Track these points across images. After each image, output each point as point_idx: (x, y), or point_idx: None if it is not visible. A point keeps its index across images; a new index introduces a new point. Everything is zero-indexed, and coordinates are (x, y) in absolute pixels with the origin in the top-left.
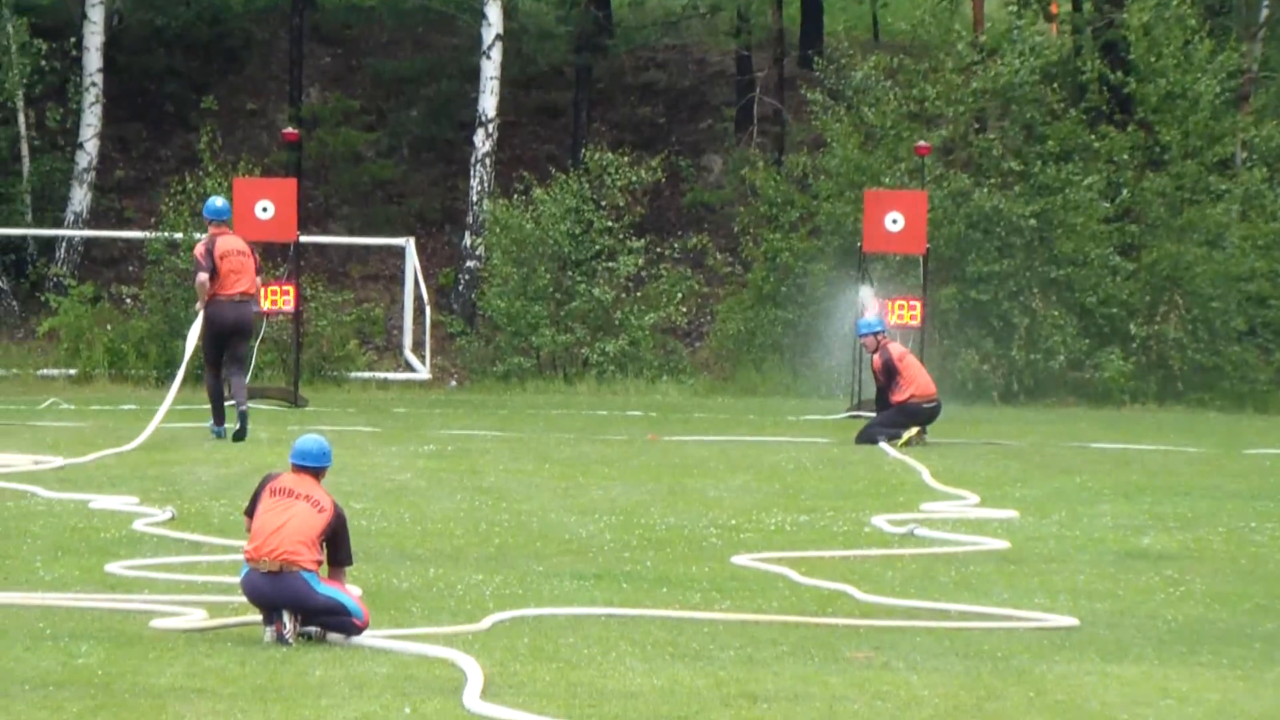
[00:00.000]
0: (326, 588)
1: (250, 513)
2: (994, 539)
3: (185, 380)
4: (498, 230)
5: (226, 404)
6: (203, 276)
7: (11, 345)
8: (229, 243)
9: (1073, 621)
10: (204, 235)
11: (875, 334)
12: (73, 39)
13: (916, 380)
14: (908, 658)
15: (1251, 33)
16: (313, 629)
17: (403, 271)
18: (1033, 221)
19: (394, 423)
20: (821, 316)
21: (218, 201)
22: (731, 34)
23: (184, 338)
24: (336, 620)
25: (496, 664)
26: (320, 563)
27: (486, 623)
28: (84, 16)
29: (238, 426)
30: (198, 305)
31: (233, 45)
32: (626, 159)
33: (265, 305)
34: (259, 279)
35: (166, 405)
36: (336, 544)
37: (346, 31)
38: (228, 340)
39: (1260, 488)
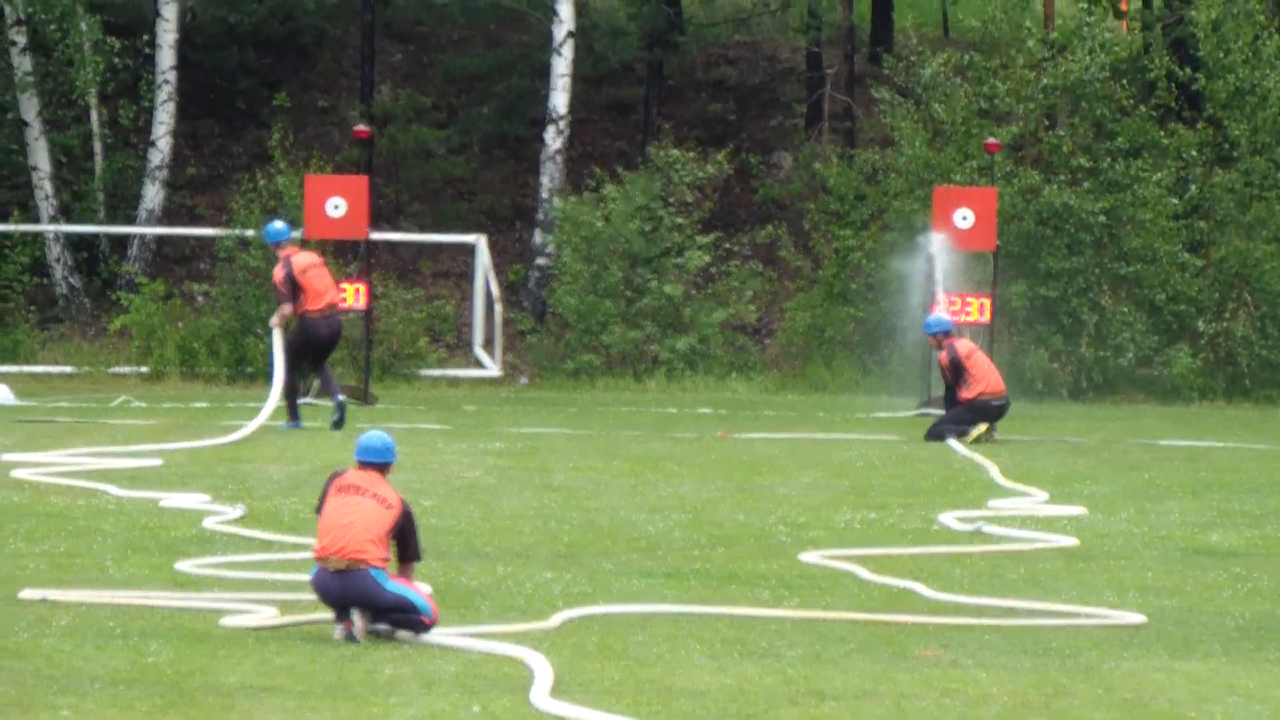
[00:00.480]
0: (395, 585)
1: (320, 511)
2: (1062, 536)
3: (255, 379)
4: (568, 227)
5: (315, 400)
6: (287, 309)
7: (83, 343)
8: (305, 259)
9: (1140, 619)
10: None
11: (937, 334)
12: (145, 36)
13: (985, 377)
14: (976, 655)
15: None
16: (382, 626)
17: (473, 268)
18: (1102, 218)
19: (464, 420)
20: (891, 313)
21: (277, 224)
22: (801, 30)
23: (258, 336)
24: (405, 618)
25: (565, 662)
26: (388, 560)
27: (556, 620)
28: (157, 14)
29: (336, 416)
30: (273, 321)
31: (304, 42)
32: (693, 155)
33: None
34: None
35: (270, 407)
36: (405, 540)
37: (418, 28)
38: (320, 351)
39: None
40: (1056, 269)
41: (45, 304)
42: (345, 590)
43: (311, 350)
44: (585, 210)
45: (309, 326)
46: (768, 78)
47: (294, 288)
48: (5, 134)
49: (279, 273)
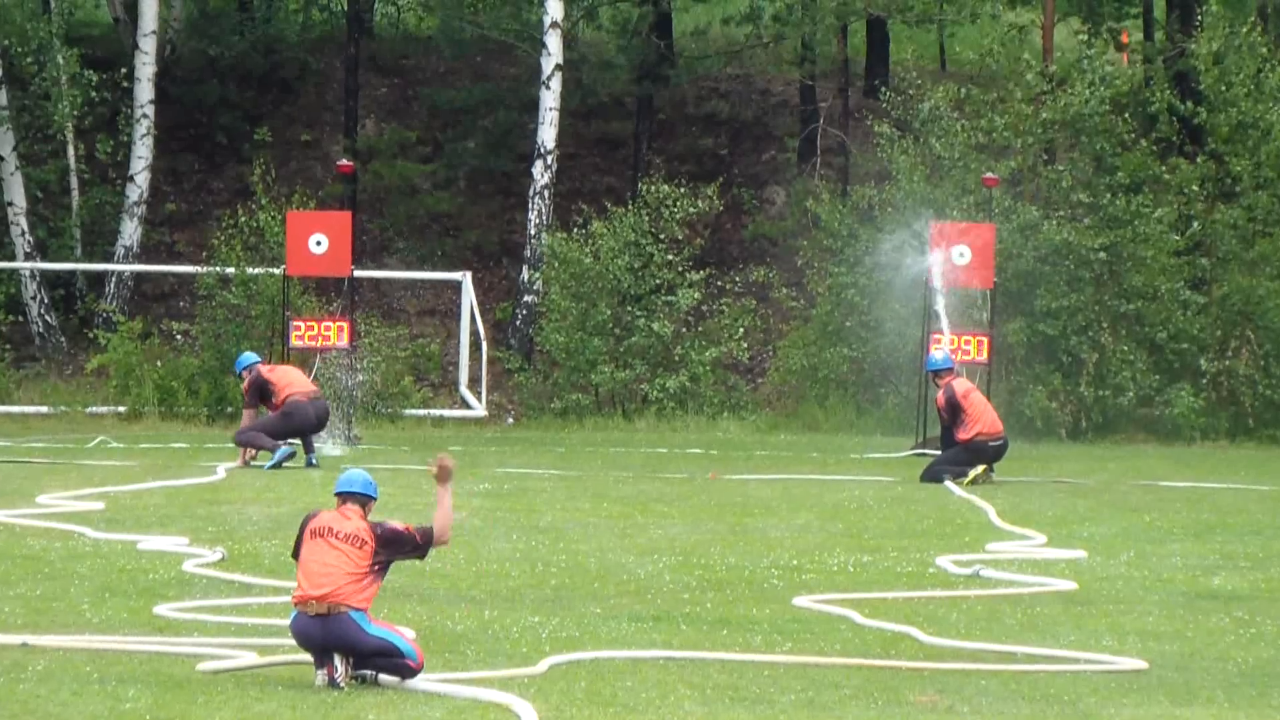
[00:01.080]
0: (377, 629)
1: (296, 555)
2: (1061, 579)
3: (236, 418)
4: (556, 264)
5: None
6: (249, 414)
7: (60, 382)
8: (270, 365)
9: (1142, 664)
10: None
11: (939, 373)
12: (124, 70)
13: (982, 417)
14: (973, 701)
15: None
16: (367, 672)
17: (459, 306)
18: (1102, 254)
19: (457, 462)
20: (886, 352)
21: (248, 354)
22: (795, 63)
23: (238, 375)
24: (390, 662)
25: (553, 708)
26: (370, 601)
27: (543, 666)
28: (135, 47)
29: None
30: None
31: (287, 76)
32: (684, 190)
33: (319, 342)
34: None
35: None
36: (403, 551)
37: (403, 62)
38: (304, 433)
39: None
40: (1055, 306)
41: (21, 342)
42: (326, 635)
43: (295, 431)
44: (573, 247)
45: (295, 409)
46: (760, 112)
47: (264, 391)
48: None
49: (246, 383)
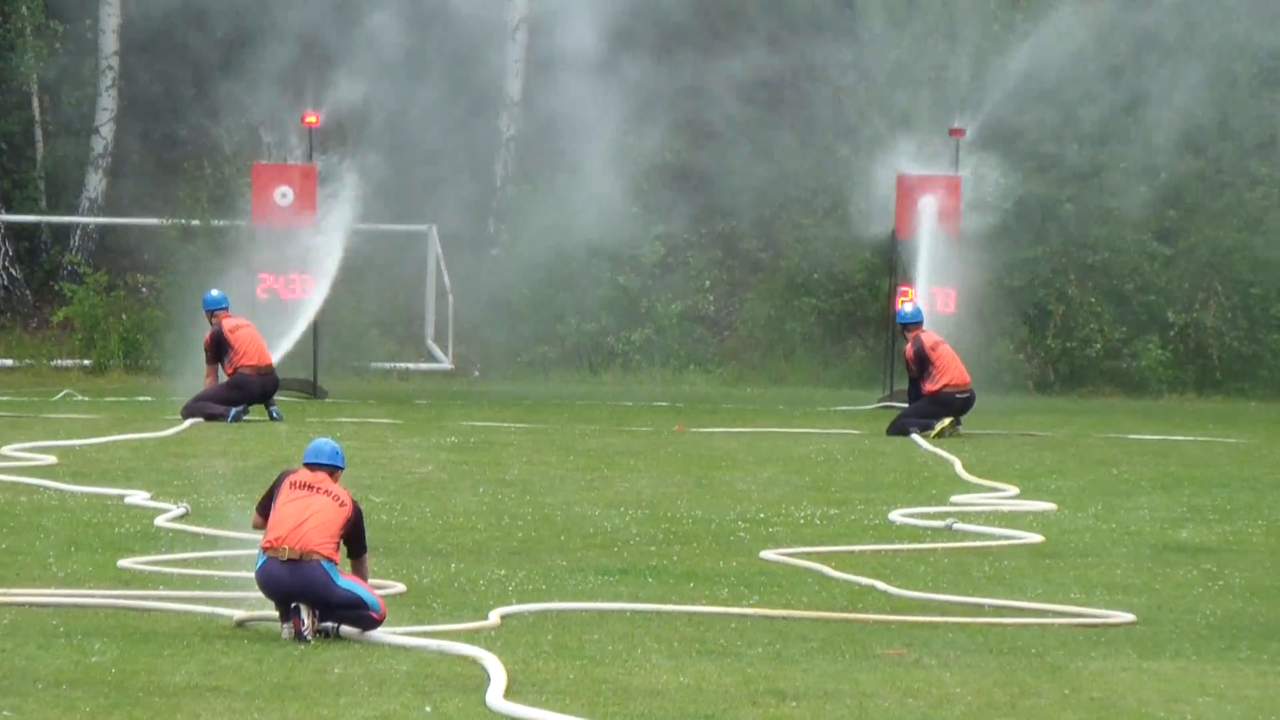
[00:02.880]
0: (346, 580)
1: (264, 509)
2: (1029, 532)
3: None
4: (521, 217)
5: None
6: (209, 372)
7: (25, 335)
8: (234, 321)
9: (1128, 616)
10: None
11: (909, 326)
12: (89, 20)
13: (950, 369)
14: (940, 654)
15: None
16: (330, 625)
17: (425, 257)
18: (1068, 205)
19: (415, 414)
20: (855, 304)
21: (214, 292)
22: None
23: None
24: (354, 614)
25: (520, 661)
26: (338, 556)
27: (494, 617)
28: None
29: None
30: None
31: (256, 22)
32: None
33: (284, 294)
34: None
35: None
36: (356, 537)
37: (369, 7)
38: (252, 402)
39: None
40: (1021, 258)
41: None
42: (295, 580)
43: (241, 401)
44: (540, 198)
45: (243, 383)
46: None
47: (221, 349)
48: None
49: (208, 336)
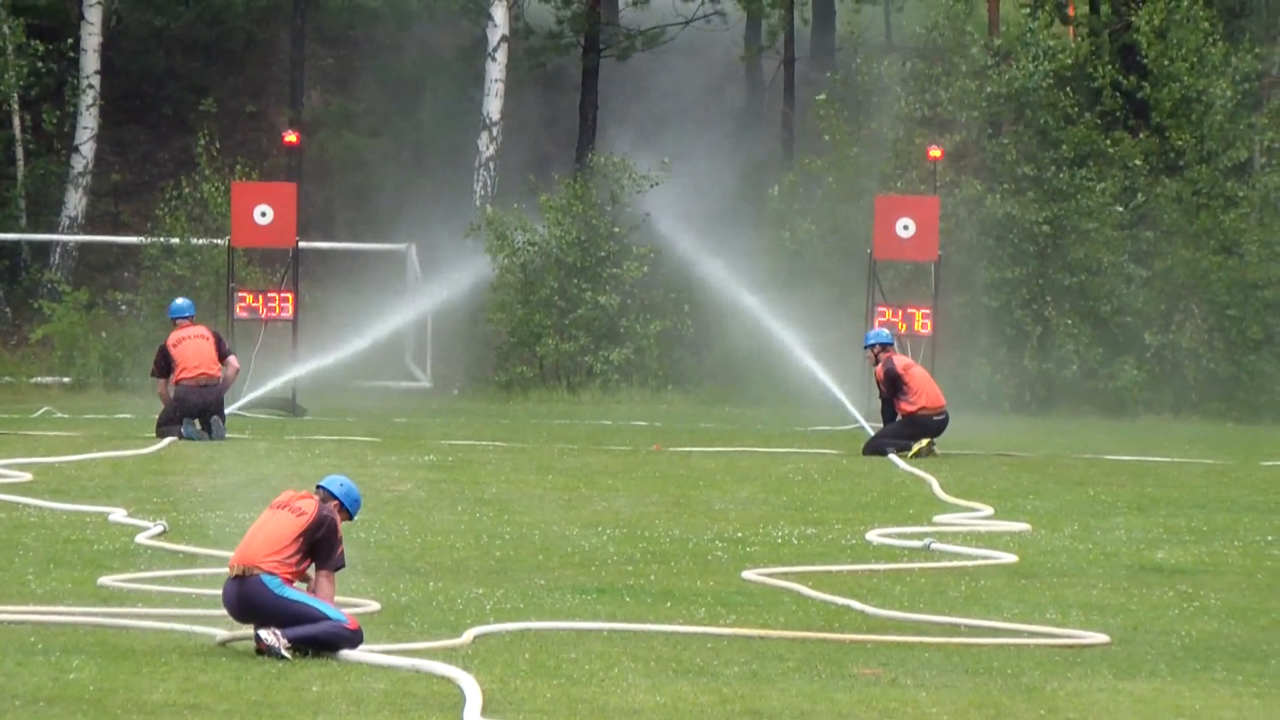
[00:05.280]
0: (290, 591)
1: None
2: (1005, 553)
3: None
4: (501, 236)
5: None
6: (160, 385)
7: (4, 352)
8: (180, 334)
9: (1102, 637)
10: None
11: (875, 348)
12: (70, 40)
13: (924, 391)
14: (916, 674)
15: (1271, 35)
16: (281, 642)
17: (403, 275)
18: (1046, 228)
19: (394, 432)
20: (832, 325)
21: (180, 301)
22: (743, 39)
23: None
24: (322, 629)
25: (497, 680)
26: (292, 570)
27: (467, 636)
28: (81, 17)
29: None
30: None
31: (233, 47)
32: (633, 162)
33: (263, 313)
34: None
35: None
36: (319, 547)
37: (349, 33)
38: (194, 416)
39: (1276, 502)
40: (999, 279)
41: None
42: (239, 596)
43: (184, 416)
44: (519, 218)
45: (182, 395)
46: (707, 82)
47: (165, 362)
48: None
49: (157, 351)
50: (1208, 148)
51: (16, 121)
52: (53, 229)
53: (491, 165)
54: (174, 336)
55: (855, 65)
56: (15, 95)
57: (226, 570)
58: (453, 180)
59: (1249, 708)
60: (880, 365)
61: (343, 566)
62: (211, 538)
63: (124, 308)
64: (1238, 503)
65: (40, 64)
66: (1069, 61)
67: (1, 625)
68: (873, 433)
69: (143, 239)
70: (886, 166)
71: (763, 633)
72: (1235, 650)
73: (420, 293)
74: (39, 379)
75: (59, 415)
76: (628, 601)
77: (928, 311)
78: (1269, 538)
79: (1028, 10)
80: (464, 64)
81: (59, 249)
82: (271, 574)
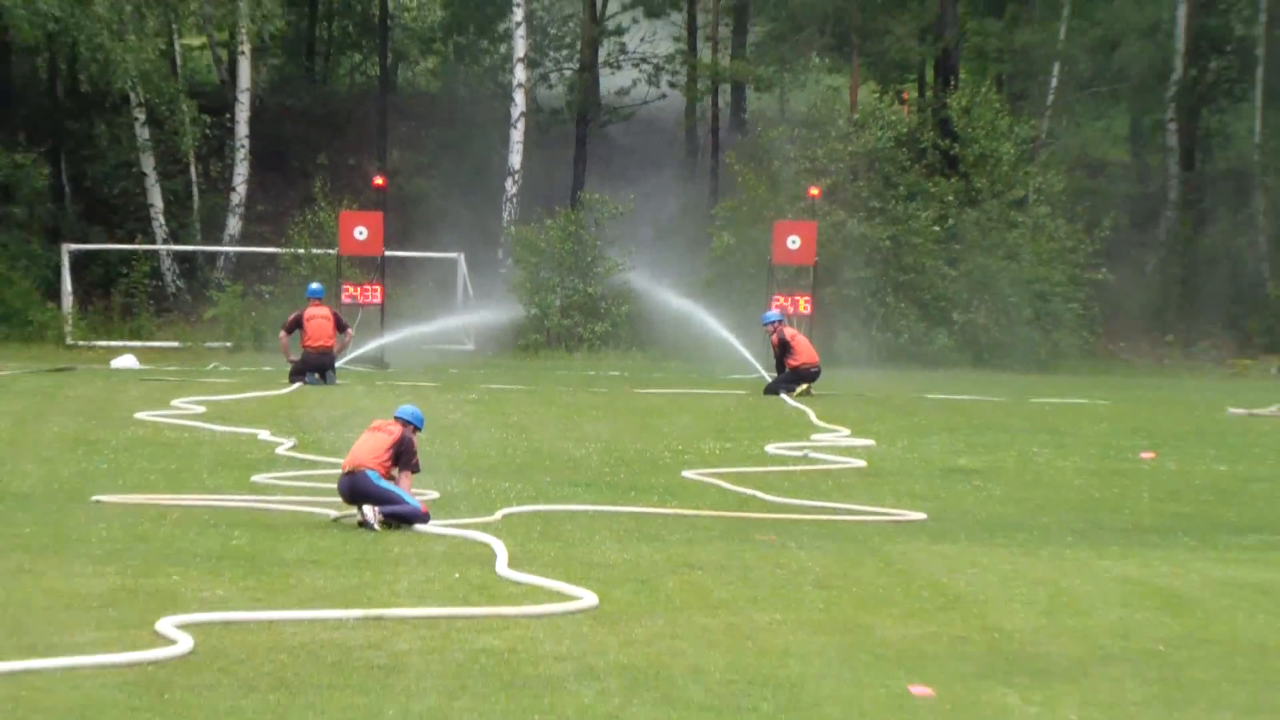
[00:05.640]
0: (385, 483)
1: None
2: (857, 459)
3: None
4: (520, 248)
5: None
6: (283, 336)
7: (186, 326)
8: (313, 310)
9: (921, 515)
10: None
11: (770, 324)
12: (228, 114)
13: (805, 352)
14: (798, 540)
15: (1040, 111)
16: (390, 517)
17: (455, 275)
18: (887, 242)
19: (449, 379)
20: (744, 307)
21: (314, 285)
22: (684, 113)
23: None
24: (402, 510)
25: (518, 544)
26: (385, 470)
27: (498, 514)
28: (235, 100)
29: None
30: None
31: (339, 119)
32: (608, 198)
33: (360, 300)
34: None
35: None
36: (402, 456)
37: (417, 108)
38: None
39: (1040, 425)
40: (855, 278)
41: (160, 299)
42: (350, 486)
43: (307, 371)
44: (532, 235)
45: (302, 357)
46: (661, 143)
47: (298, 326)
48: (132, 182)
49: (292, 315)
50: (997, 188)
51: (193, 170)
52: (218, 243)
53: (514, 200)
54: (308, 311)
55: (759, 132)
56: (191, 152)
57: (339, 470)
58: (488, 210)
59: (1019, 562)
60: (775, 335)
61: (418, 470)
62: (327, 450)
63: (266, 296)
64: (1014, 427)
65: (208, 131)
66: (904, 130)
67: (186, 508)
68: (770, 380)
69: (279, 250)
70: (780, 200)
71: (695, 512)
72: (1011, 525)
73: (470, 304)
74: (209, 344)
75: (223, 368)
76: (605, 492)
77: (808, 298)
78: (1034, 450)
79: (876, 95)
80: (496, 130)
81: (223, 257)
82: (373, 470)
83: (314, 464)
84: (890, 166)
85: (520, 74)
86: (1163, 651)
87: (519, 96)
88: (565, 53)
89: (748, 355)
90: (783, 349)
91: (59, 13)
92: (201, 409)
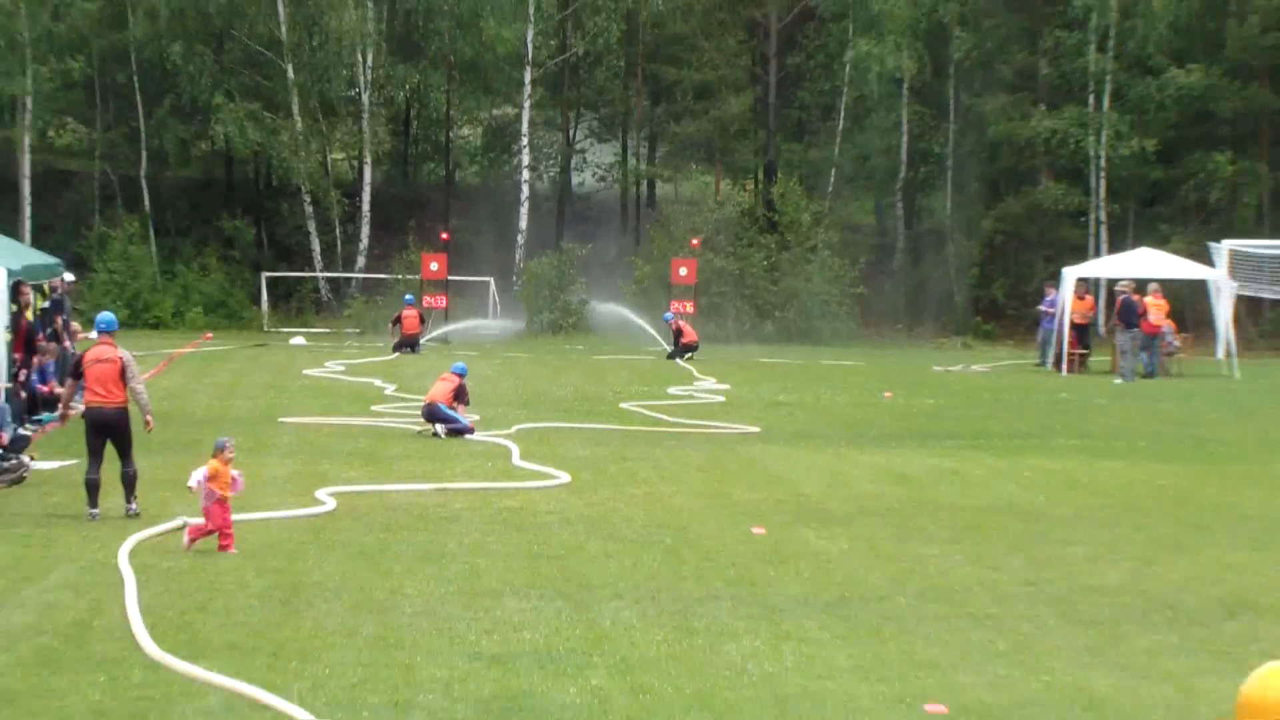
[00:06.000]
0: (448, 410)
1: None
2: (720, 395)
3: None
4: (527, 275)
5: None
6: (391, 327)
7: (334, 320)
8: (410, 310)
9: (758, 429)
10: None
11: (669, 320)
12: (357, 196)
13: (689, 335)
14: (686, 445)
15: (823, 195)
16: (445, 432)
17: (487, 291)
18: (737, 271)
19: (486, 349)
20: (657, 309)
21: (408, 295)
22: (620, 196)
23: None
24: (460, 426)
25: (524, 446)
26: (451, 403)
27: (514, 429)
28: (361, 188)
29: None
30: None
31: (422, 199)
32: (575, 246)
33: (434, 305)
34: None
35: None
36: (460, 394)
37: (467, 193)
38: (409, 347)
39: (824, 378)
40: (718, 292)
41: (319, 305)
42: (429, 412)
43: (404, 347)
44: (536, 267)
45: (401, 338)
46: (607, 213)
47: (398, 320)
48: (302, 236)
49: (394, 314)
50: (799, 240)
51: (337, 229)
52: (352, 271)
53: (522, 247)
54: (405, 311)
55: (663, 207)
56: (336, 218)
57: (422, 402)
58: (507, 253)
59: (814, 456)
60: (673, 325)
61: (468, 403)
62: (415, 391)
63: (379, 301)
64: (810, 378)
65: (345, 206)
66: (748, 206)
67: (334, 426)
68: (669, 350)
69: (387, 276)
70: (675, 247)
71: (628, 428)
72: (808, 434)
73: (496, 309)
74: (347, 330)
75: (355, 346)
76: (575, 416)
77: (692, 304)
78: (827, 392)
79: (730, 186)
80: (512, 206)
81: (354, 280)
82: (443, 403)
83: (407, 399)
84: (738, 227)
85: (525, 175)
86: (897, 508)
87: (525, 188)
88: (550, 162)
89: (657, 336)
90: (677, 334)
91: (260, 139)
92: (342, 368)
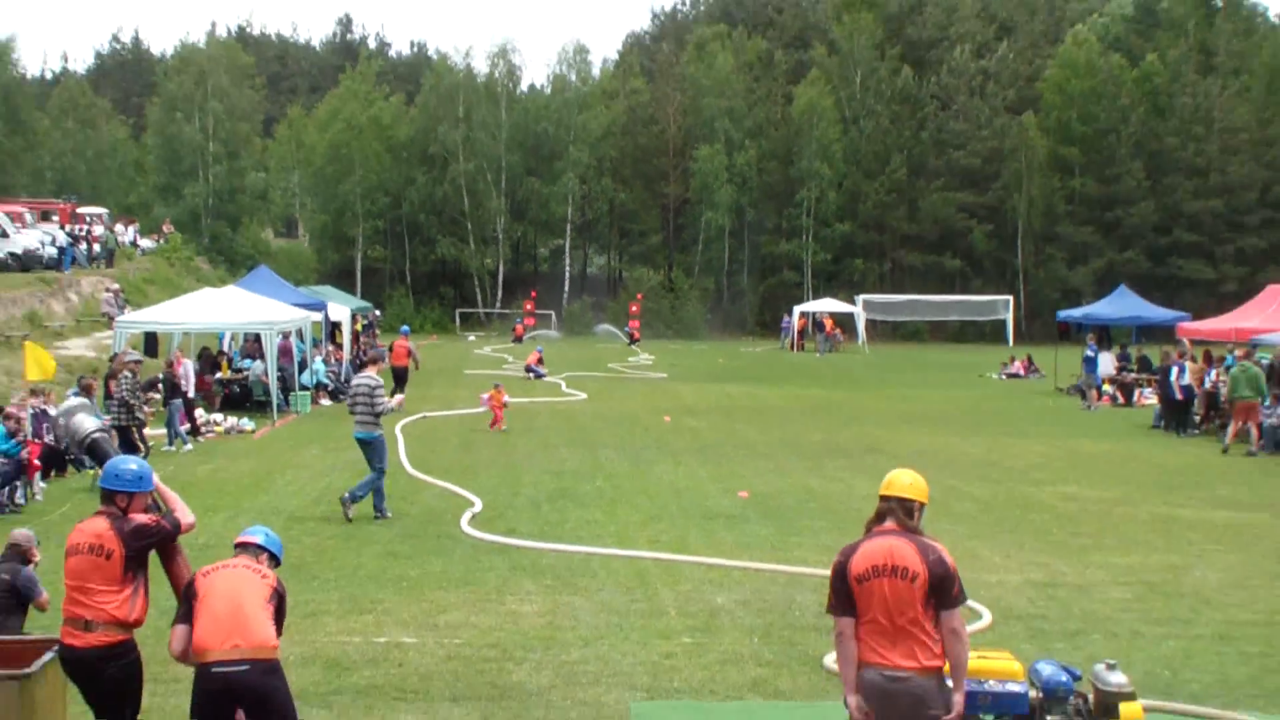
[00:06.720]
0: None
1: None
2: (661, 374)
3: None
4: (568, 315)
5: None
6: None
7: (489, 332)
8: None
9: (664, 375)
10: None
11: (628, 333)
12: (496, 274)
13: (637, 335)
14: (631, 382)
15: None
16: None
17: (551, 322)
18: (657, 308)
19: (549, 343)
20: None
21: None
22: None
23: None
24: (540, 372)
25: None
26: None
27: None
28: (498, 270)
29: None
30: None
31: (529, 280)
32: (590, 300)
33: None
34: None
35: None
36: (541, 362)
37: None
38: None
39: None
40: (659, 317)
41: (476, 324)
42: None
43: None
44: (571, 310)
45: (516, 339)
46: (600, 286)
47: (514, 331)
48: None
49: (516, 327)
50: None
51: (485, 287)
52: (493, 308)
53: (566, 294)
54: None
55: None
56: (486, 285)
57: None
58: (555, 301)
59: (709, 389)
60: (634, 335)
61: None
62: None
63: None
64: (695, 353)
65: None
66: (658, 282)
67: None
68: (629, 343)
69: (511, 310)
70: (628, 298)
71: (610, 376)
72: (701, 378)
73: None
74: (493, 334)
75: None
76: (593, 369)
77: (637, 324)
78: (720, 360)
79: (650, 271)
80: (562, 281)
81: (496, 314)
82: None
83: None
84: (660, 290)
85: (568, 270)
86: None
87: (567, 271)
88: (582, 251)
89: (625, 339)
90: (630, 338)
91: (457, 254)
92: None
